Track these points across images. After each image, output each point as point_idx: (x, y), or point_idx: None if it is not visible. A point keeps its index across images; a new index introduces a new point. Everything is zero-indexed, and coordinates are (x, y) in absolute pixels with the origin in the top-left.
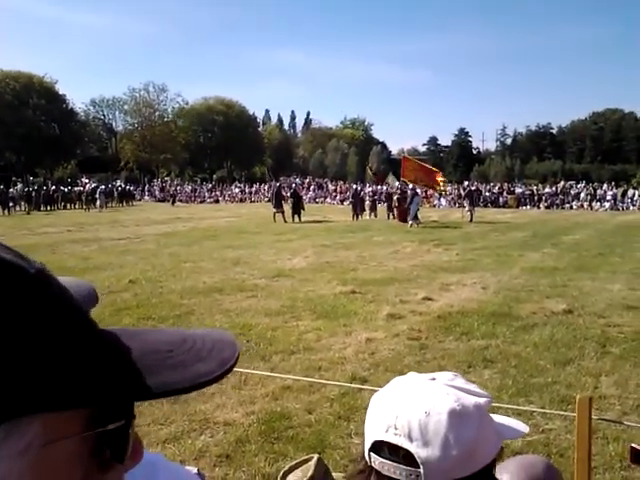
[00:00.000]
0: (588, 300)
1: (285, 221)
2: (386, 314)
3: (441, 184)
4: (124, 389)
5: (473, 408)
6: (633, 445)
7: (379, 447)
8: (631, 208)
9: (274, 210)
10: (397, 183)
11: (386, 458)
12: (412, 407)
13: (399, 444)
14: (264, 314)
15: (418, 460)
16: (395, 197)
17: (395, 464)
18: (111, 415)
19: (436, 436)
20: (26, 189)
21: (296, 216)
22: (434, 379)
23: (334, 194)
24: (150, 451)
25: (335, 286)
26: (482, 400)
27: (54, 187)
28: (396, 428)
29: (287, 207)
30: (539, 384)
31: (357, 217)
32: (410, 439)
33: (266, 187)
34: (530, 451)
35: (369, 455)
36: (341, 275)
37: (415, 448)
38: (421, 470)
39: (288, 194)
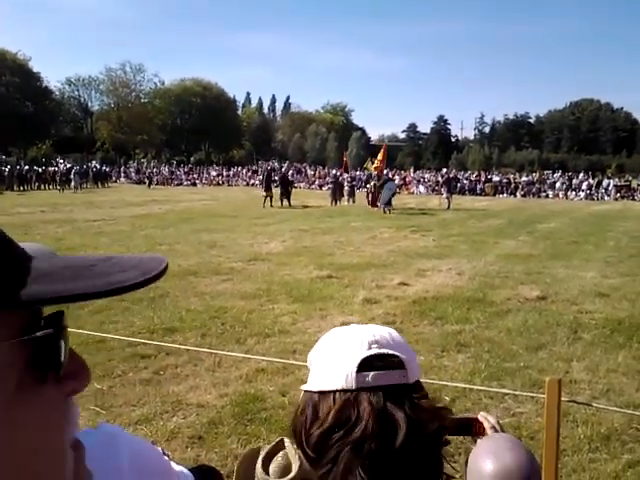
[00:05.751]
0: (561, 287)
1: (271, 205)
2: (362, 299)
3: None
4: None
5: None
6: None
7: (367, 364)
8: (605, 198)
9: (264, 194)
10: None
11: (378, 369)
12: (378, 329)
13: (387, 352)
14: (239, 297)
15: (404, 362)
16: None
17: (388, 371)
18: (39, 324)
19: (402, 344)
20: None
21: (285, 200)
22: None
23: (313, 179)
24: None
25: (312, 270)
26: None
27: (27, 167)
28: (377, 342)
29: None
30: (511, 368)
31: (336, 202)
32: (392, 348)
33: (244, 170)
34: None
35: (356, 377)
36: (318, 259)
37: (399, 353)
38: (407, 370)
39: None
